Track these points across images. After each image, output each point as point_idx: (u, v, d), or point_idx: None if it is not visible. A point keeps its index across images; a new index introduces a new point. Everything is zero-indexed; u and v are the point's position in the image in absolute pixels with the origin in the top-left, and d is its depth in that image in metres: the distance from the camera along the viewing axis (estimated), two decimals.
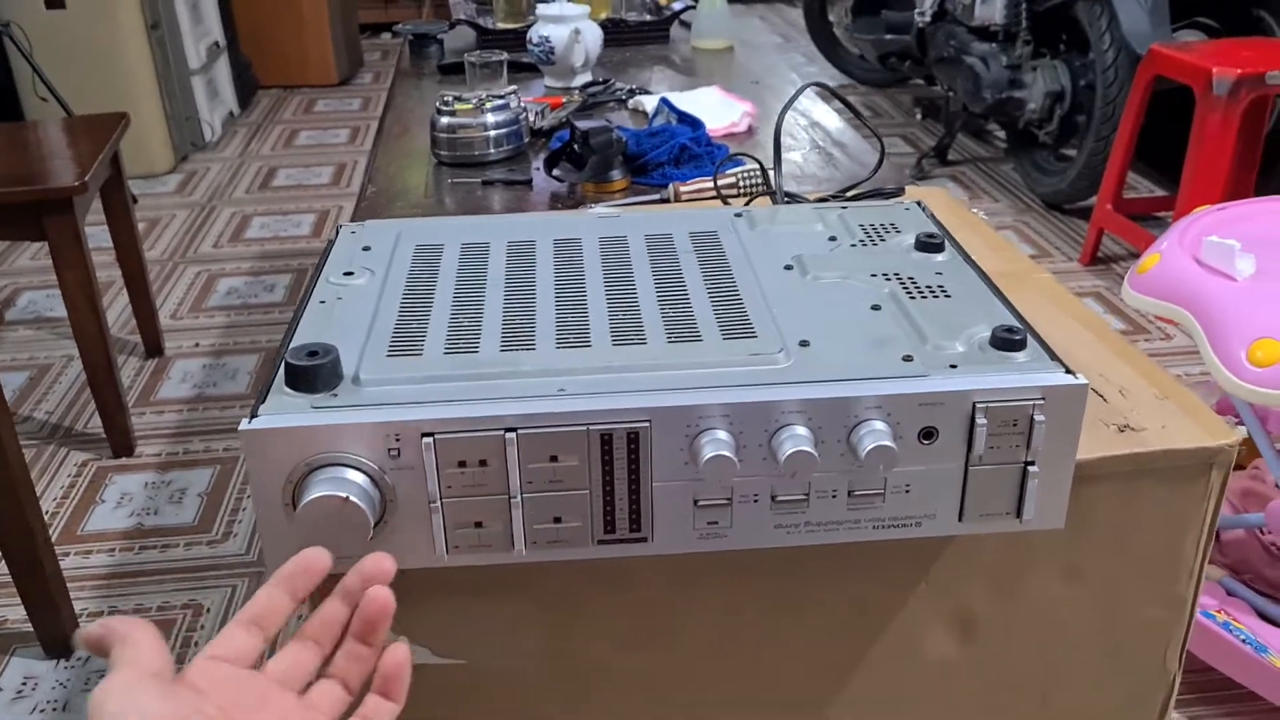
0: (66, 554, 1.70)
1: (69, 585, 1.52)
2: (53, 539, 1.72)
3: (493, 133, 1.32)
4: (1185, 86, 2.29)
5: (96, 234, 2.20)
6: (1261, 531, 1.48)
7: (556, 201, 1.22)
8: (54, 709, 1.37)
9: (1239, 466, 1.82)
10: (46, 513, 1.81)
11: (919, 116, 3.80)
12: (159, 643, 0.47)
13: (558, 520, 0.60)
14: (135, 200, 3.09)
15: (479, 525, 0.60)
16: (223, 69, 3.79)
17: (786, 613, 0.73)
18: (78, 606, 1.55)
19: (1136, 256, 2.58)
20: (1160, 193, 2.94)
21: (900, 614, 0.73)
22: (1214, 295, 1.32)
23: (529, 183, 1.26)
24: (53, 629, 1.45)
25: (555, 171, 1.23)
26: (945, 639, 0.75)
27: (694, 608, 0.72)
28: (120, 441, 1.94)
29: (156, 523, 1.79)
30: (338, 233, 0.81)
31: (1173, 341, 2.28)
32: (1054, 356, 0.62)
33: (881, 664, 0.75)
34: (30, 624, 1.46)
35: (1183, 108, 2.30)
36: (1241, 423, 1.52)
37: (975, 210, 1.09)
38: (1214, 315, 1.30)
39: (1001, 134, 3.41)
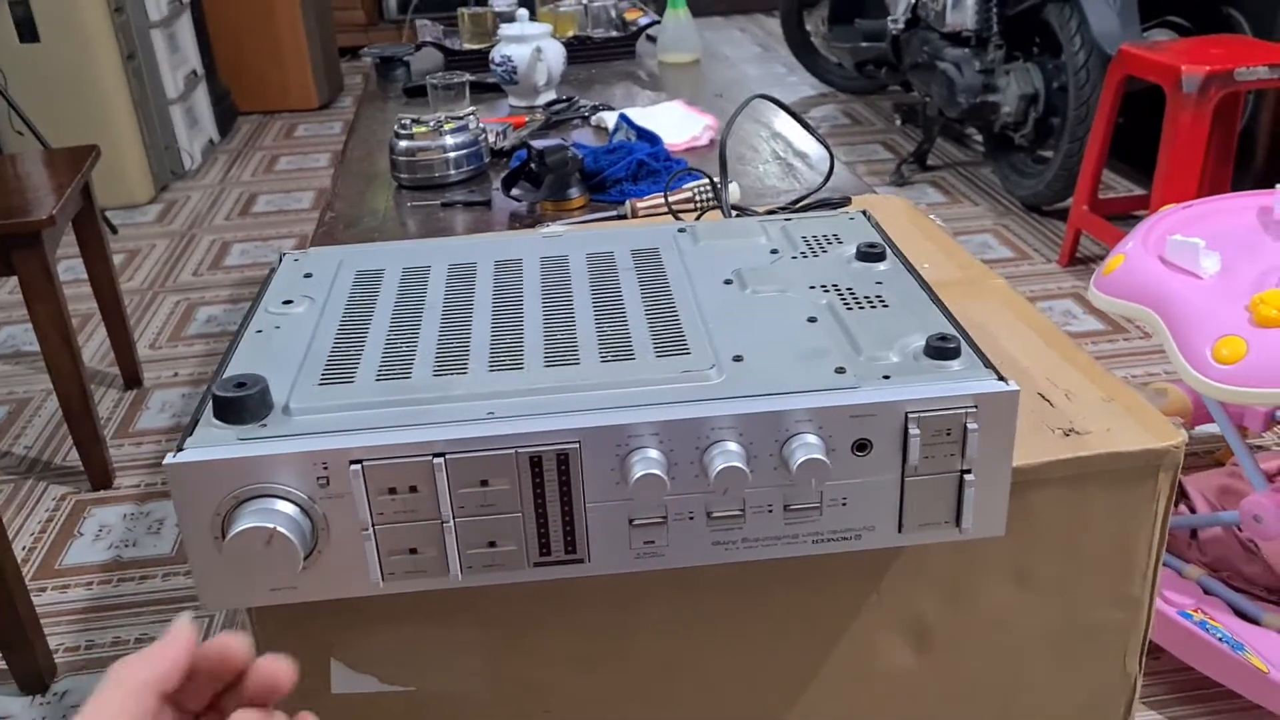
0: (44, 589, 1.70)
1: (47, 620, 1.51)
2: (30, 574, 1.72)
3: (452, 154, 1.32)
4: (1158, 86, 2.29)
5: (75, 266, 2.20)
6: (1238, 529, 1.48)
7: (516, 221, 1.22)
8: None
9: (1218, 464, 1.82)
10: (24, 548, 1.80)
11: (898, 122, 3.81)
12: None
13: (492, 544, 0.60)
14: (115, 231, 3.09)
15: (413, 551, 0.60)
16: (201, 97, 3.80)
17: (736, 629, 0.72)
18: (54, 642, 1.54)
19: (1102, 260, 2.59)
20: (1139, 191, 2.95)
21: (852, 626, 0.73)
22: (1178, 294, 1.32)
23: (488, 203, 1.26)
24: (27, 666, 1.44)
25: (514, 191, 1.23)
26: (900, 650, 0.74)
27: (641, 625, 0.71)
28: (98, 474, 1.94)
29: (135, 554, 1.78)
30: (280, 260, 0.81)
31: (1151, 340, 2.28)
32: (988, 364, 0.62)
33: (836, 677, 0.74)
34: (4, 661, 1.45)
35: (1159, 106, 2.30)
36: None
37: (933, 217, 1.09)
38: (1179, 314, 1.30)
39: (979, 138, 3.42)
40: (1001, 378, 0.61)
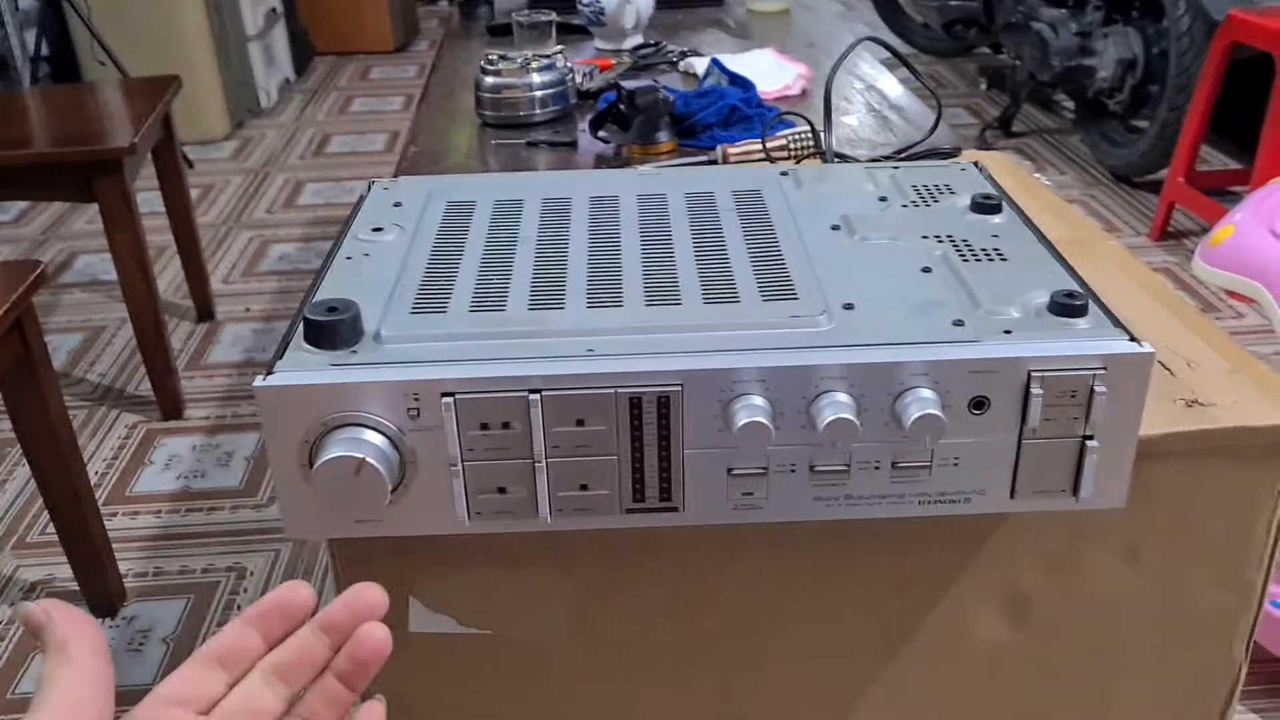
0: (114, 514, 1.72)
1: (116, 546, 1.53)
2: (101, 500, 1.74)
3: (538, 93, 1.28)
4: (1264, 54, 2.18)
5: (151, 199, 2.21)
6: None
7: (601, 163, 1.19)
8: None
9: None
10: (96, 474, 1.82)
11: (984, 86, 3.69)
12: (95, 661, 0.39)
13: (584, 488, 0.58)
14: (191, 165, 3.11)
15: (502, 491, 0.57)
16: (279, 35, 3.80)
17: (826, 587, 0.69)
18: (124, 567, 1.56)
19: (1209, 231, 2.49)
20: (1235, 165, 2.83)
21: (948, 593, 0.70)
22: None
23: (574, 144, 1.23)
24: (99, 589, 1.46)
25: (601, 133, 1.20)
26: (996, 621, 0.71)
27: (730, 580, 0.69)
28: (169, 404, 1.96)
29: (203, 485, 1.80)
30: (369, 188, 0.79)
31: (1244, 320, 2.20)
32: (1117, 323, 0.58)
33: (925, 645, 0.71)
34: (77, 584, 1.48)
35: (1262, 76, 2.20)
36: None
37: (1038, 176, 1.04)
38: None
39: (1069, 104, 3.30)
40: (1133, 338, 0.57)
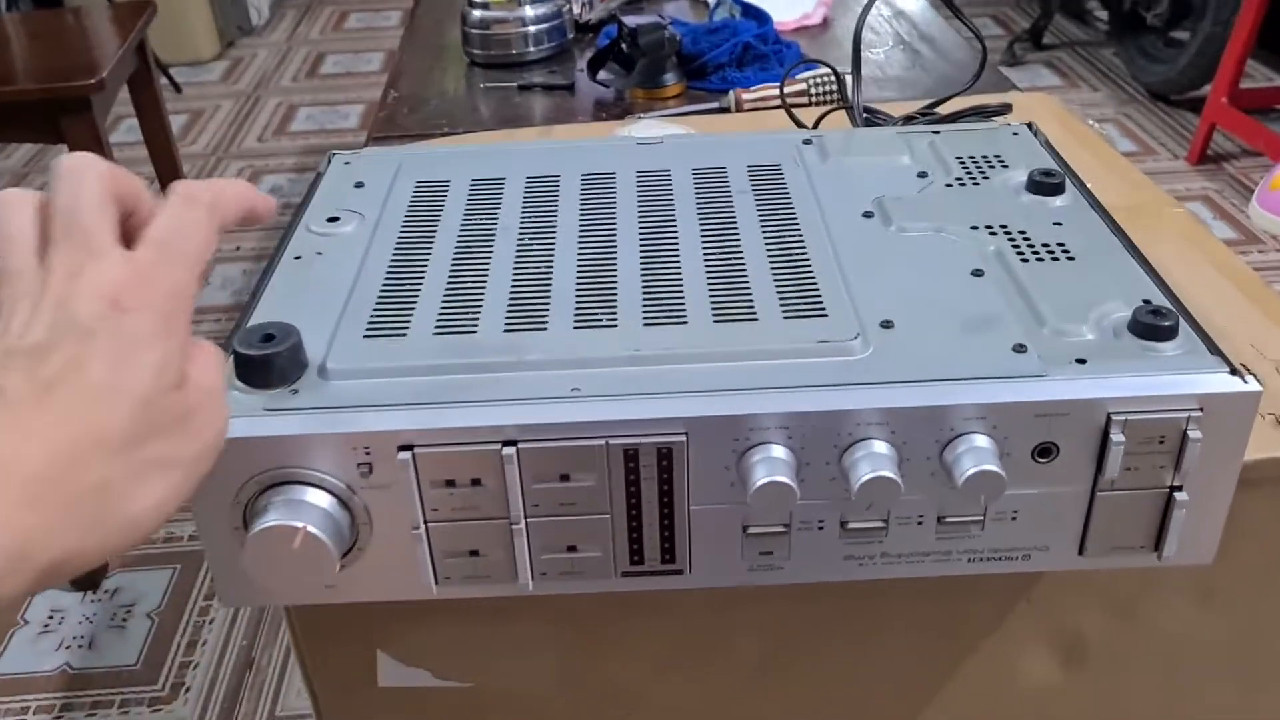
0: None
1: None
2: None
3: (532, 28, 1.16)
4: None
5: (134, 127, 2.09)
6: None
7: (602, 110, 1.07)
8: (79, 645, 1.32)
9: None
10: None
11: None
12: None
13: (572, 549, 0.48)
14: (179, 90, 2.98)
15: (475, 554, 0.48)
16: None
17: (852, 633, 0.61)
18: None
19: (1253, 155, 2.35)
20: None
21: (992, 636, 0.61)
22: None
23: (571, 87, 1.11)
24: None
25: (600, 75, 1.08)
26: (1046, 664, 0.62)
27: (739, 626, 0.60)
28: None
29: None
30: (329, 162, 0.68)
31: None
32: (1214, 349, 0.48)
33: (965, 691, 0.63)
34: None
35: None
36: None
37: (1091, 124, 0.92)
38: None
39: (1103, 15, 3.12)
40: (1235, 370, 0.47)
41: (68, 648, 1.32)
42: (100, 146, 1.62)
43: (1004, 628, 0.61)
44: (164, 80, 2.90)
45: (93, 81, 1.56)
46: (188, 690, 1.27)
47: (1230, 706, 0.64)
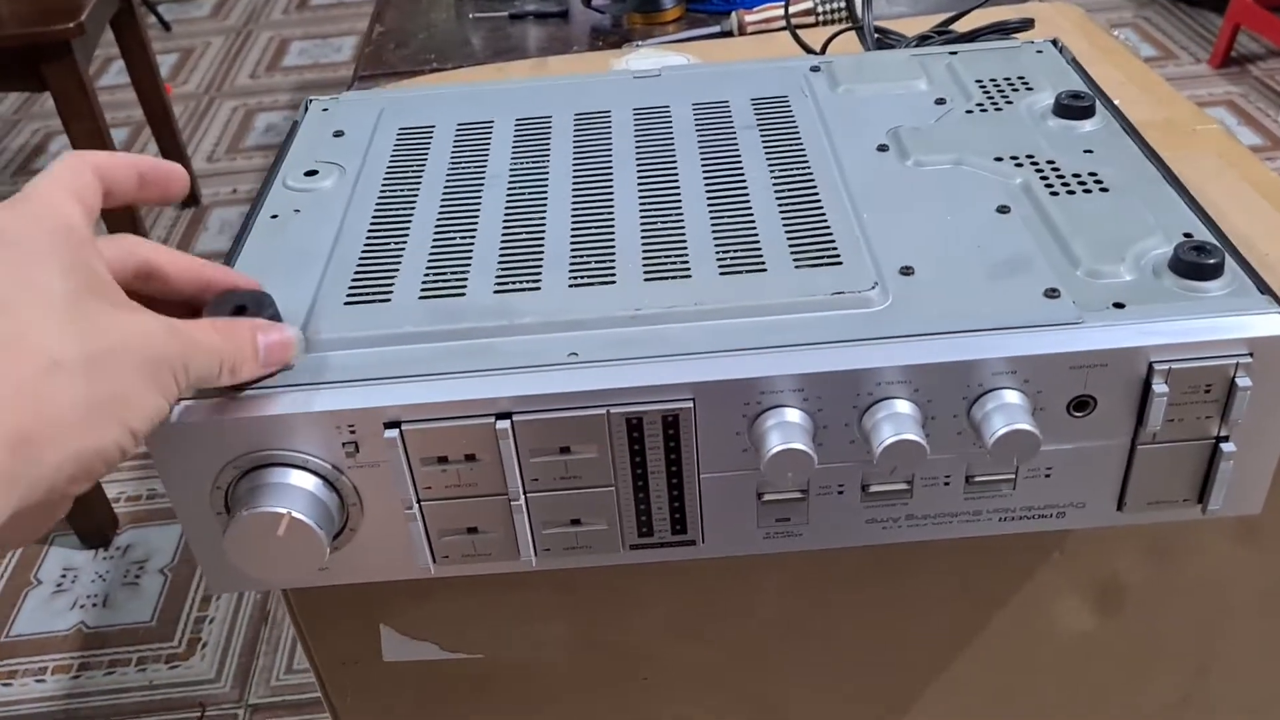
0: None
1: None
2: None
3: None
4: None
5: (122, 70, 2.03)
6: None
7: (598, 37, 1.02)
8: (94, 604, 1.31)
9: None
10: None
11: None
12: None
13: (576, 522, 0.46)
14: (169, 28, 2.91)
15: (473, 531, 0.46)
16: None
17: (875, 588, 0.58)
18: (113, 490, 1.48)
19: None
20: None
21: (1024, 588, 0.59)
22: None
23: (565, 14, 1.06)
24: (86, 517, 1.38)
25: (595, 1, 1.03)
26: (1079, 612, 0.60)
27: (760, 585, 0.57)
28: None
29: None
30: (306, 110, 0.64)
31: None
32: (1265, 287, 0.44)
33: (995, 643, 0.60)
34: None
35: None
36: None
37: (1117, 34, 0.87)
38: None
39: None
40: None
41: (82, 606, 1.32)
42: (85, 94, 1.57)
43: (1036, 578, 0.58)
44: (152, 19, 2.82)
45: (71, 25, 1.51)
46: (204, 646, 1.26)
47: (1262, 644, 0.62)
